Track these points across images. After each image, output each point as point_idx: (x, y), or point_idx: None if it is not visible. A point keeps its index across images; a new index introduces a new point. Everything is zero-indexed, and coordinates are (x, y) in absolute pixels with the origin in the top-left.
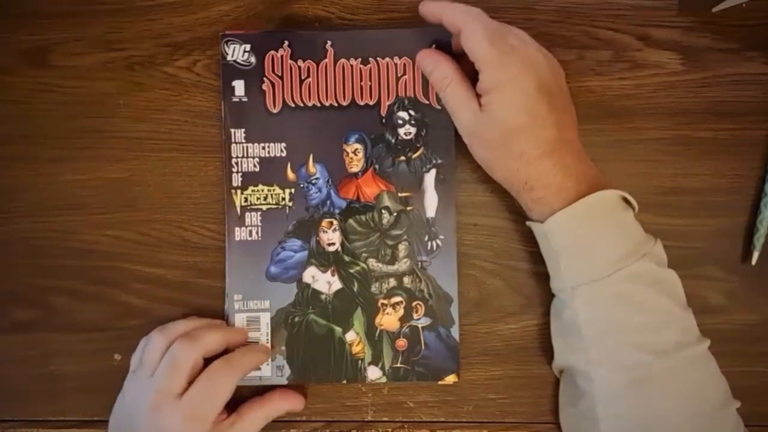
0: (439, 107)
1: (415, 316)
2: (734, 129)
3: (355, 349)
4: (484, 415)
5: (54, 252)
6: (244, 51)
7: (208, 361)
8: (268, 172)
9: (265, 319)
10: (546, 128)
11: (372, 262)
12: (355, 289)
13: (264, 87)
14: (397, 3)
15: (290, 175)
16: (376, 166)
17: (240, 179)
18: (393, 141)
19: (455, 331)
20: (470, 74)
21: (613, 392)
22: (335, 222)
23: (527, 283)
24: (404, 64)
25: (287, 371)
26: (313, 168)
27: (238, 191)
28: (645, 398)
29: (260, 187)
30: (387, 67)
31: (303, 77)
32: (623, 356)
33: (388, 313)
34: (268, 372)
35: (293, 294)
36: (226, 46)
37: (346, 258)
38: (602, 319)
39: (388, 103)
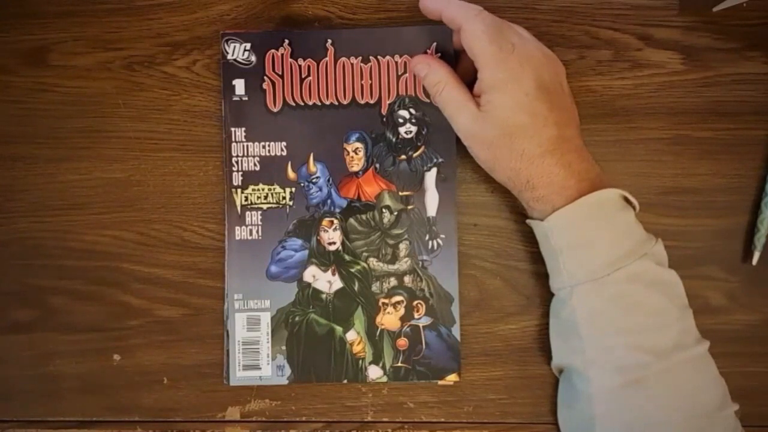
0: None
1: (415, 315)
2: (734, 129)
3: (356, 348)
4: (484, 416)
5: (54, 252)
6: (245, 50)
7: None
8: (269, 171)
9: (266, 318)
10: (547, 127)
11: (373, 262)
12: (356, 288)
13: (264, 86)
14: (398, 2)
15: (291, 174)
16: (377, 165)
17: (240, 178)
18: (394, 140)
19: (456, 331)
20: (470, 72)
21: (609, 392)
22: (336, 221)
23: (528, 283)
24: (405, 63)
25: (287, 371)
26: (314, 167)
27: (239, 190)
28: (641, 399)
29: (261, 186)
30: (387, 65)
31: (303, 76)
32: (620, 357)
33: (388, 313)
34: (268, 372)
35: (294, 293)
36: (226, 45)
37: (347, 257)
38: (600, 318)
39: (388, 102)
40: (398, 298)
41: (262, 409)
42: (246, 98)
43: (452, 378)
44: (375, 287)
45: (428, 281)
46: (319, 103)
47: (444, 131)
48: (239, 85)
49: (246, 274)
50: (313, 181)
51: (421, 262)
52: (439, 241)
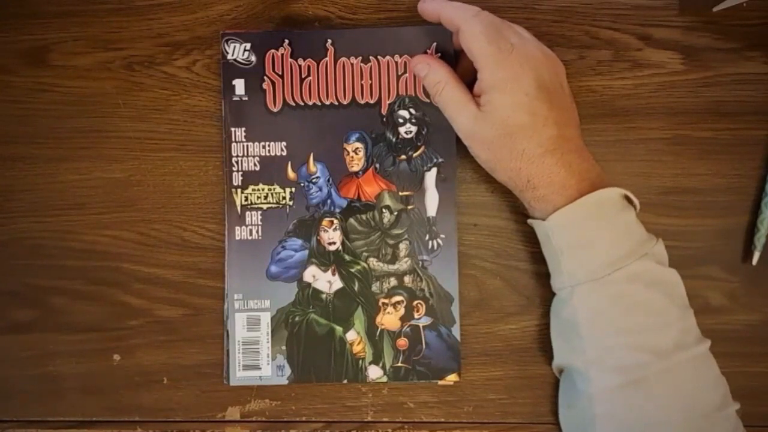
0: None
1: (415, 315)
2: (734, 129)
3: (356, 348)
4: (484, 416)
5: (54, 252)
6: (245, 50)
7: None
8: (269, 171)
9: (266, 318)
10: (547, 126)
11: (373, 262)
12: (356, 288)
13: (264, 86)
14: (398, 2)
15: (291, 174)
16: (377, 165)
17: (240, 178)
18: (394, 140)
19: (456, 331)
20: (471, 72)
21: (610, 392)
22: (336, 221)
23: (528, 283)
24: (405, 63)
25: (288, 371)
26: (314, 167)
27: (239, 190)
28: (641, 399)
29: (261, 186)
30: (387, 65)
31: (303, 76)
32: (621, 356)
33: (388, 313)
34: (268, 372)
35: (294, 293)
36: (226, 45)
37: (347, 257)
38: (601, 318)
39: (388, 102)
40: (398, 298)
41: (262, 409)
42: (246, 98)
43: (452, 378)
44: (375, 287)
45: (428, 281)
46: (319, 103)
47: (444, 131)
48: (239, 85)
49: (246, 274)
50: (313, 181)
51: (421, 262)
52: (439, 241)
